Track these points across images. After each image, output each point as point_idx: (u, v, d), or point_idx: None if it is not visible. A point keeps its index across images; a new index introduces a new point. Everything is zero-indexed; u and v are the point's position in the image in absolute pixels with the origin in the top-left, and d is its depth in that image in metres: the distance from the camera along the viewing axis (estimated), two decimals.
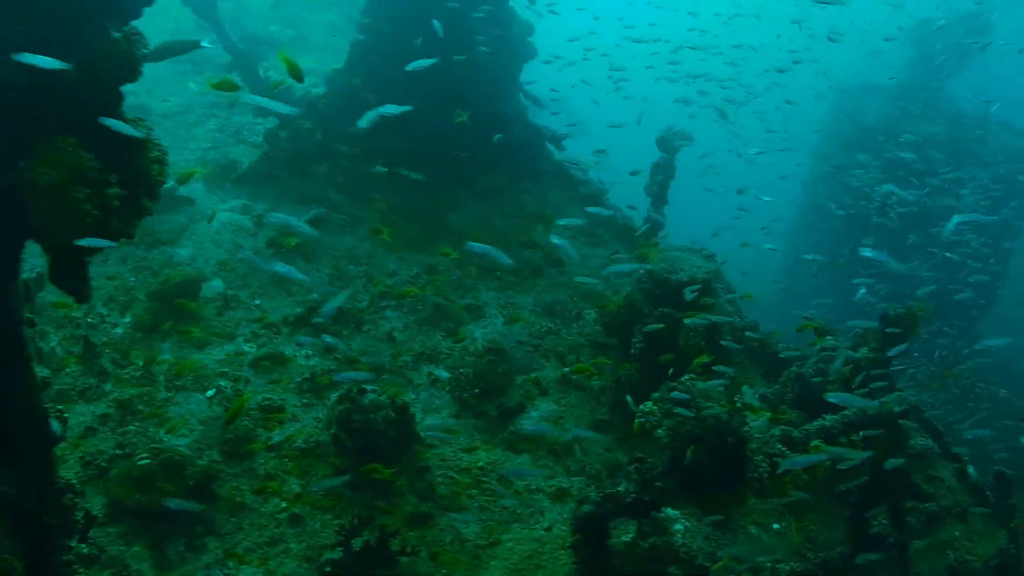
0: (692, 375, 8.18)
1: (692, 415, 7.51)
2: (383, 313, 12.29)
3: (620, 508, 7.32)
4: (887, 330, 10.07)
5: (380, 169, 12.37)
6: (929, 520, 9.95)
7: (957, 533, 10.27)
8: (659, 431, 7.73)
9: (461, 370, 11.13)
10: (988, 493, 10.43)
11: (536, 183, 14.41)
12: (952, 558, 9.97)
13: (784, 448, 8.37)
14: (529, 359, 11.66)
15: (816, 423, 8.86)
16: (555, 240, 9.25)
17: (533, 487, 9.95)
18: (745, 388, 11.33)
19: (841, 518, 9.57)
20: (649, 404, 8.07)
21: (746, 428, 8.51)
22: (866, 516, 9.22)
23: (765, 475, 8.01)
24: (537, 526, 9.44)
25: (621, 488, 7.52)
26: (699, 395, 7.85)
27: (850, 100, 24.52)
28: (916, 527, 9.68)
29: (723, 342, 10.34)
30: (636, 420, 8.10)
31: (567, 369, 11.58)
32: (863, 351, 10.38)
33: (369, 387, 9.66)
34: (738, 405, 7.99)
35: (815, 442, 8.51)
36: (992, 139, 22.06)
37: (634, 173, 13.93)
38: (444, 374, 11.25)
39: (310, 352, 11.31)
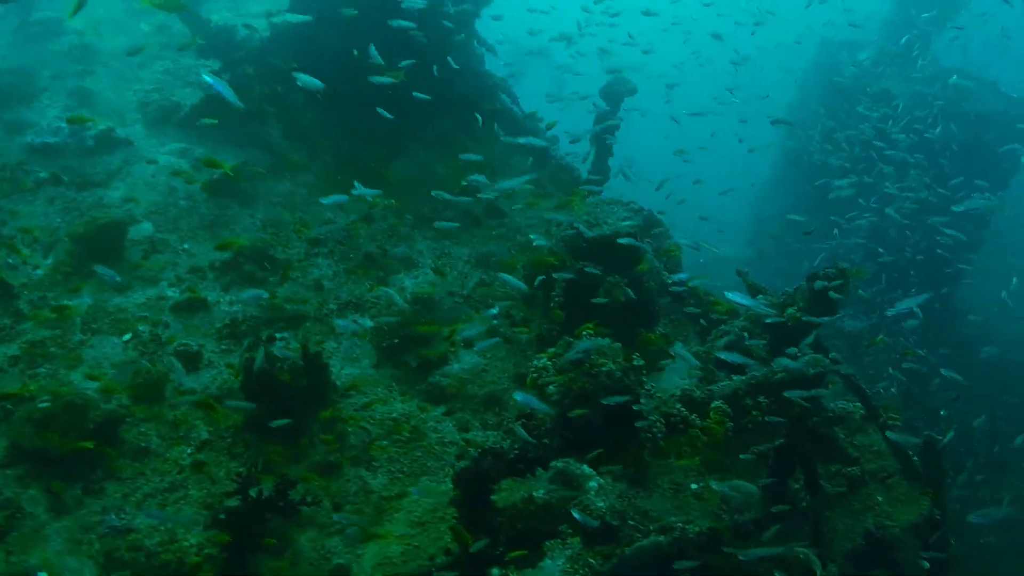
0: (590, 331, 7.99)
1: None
2: (314, 260, 12.08)
3: (502, 464, 7.16)
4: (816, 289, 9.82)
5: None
6: (851, 484, 9.82)
7: (880, 498, 10.14)
8: (550, 387, 7.56)
9: (384, 319, 10.93)
10: (915, 459, 10.29)
11: (485, 132, 14.05)
12: (871, 522, 9.85)
13: (683, 408, 8.22)
14: (457, 310, 11.45)
15: (722, 383, 8.68)
16: None
17: (447, 440, 9.83)
18: (678, 345, 11.12)
19: (759, 480, 9.42)
20: (543, 359, 7.89)
21: (648, 387, 8.37)
22: (781, 478, 9.07)
23: (660, 435, 7.87)
24: (446, 479, 9.29)
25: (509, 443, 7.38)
26: (594, 352, 7.66)
27: (829, 54, 23.96)
28: (833, 491, 9.56)
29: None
30: (529, 376, 7.94)
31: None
32: (790, 311, 10.14)
33: (279, 335, 9.51)
34: (635, 364, 7.81)
35: (717, 403, 8.33)
36: (972, 98, 21.50)
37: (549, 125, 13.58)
38: (368, 323, 11.06)
39: (233, 298, 11.14)
